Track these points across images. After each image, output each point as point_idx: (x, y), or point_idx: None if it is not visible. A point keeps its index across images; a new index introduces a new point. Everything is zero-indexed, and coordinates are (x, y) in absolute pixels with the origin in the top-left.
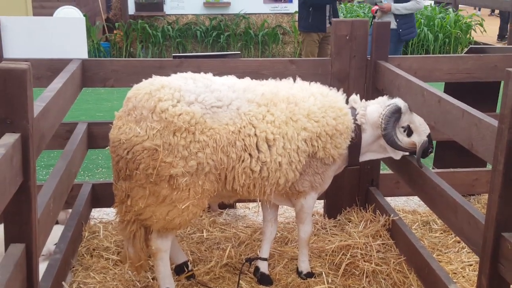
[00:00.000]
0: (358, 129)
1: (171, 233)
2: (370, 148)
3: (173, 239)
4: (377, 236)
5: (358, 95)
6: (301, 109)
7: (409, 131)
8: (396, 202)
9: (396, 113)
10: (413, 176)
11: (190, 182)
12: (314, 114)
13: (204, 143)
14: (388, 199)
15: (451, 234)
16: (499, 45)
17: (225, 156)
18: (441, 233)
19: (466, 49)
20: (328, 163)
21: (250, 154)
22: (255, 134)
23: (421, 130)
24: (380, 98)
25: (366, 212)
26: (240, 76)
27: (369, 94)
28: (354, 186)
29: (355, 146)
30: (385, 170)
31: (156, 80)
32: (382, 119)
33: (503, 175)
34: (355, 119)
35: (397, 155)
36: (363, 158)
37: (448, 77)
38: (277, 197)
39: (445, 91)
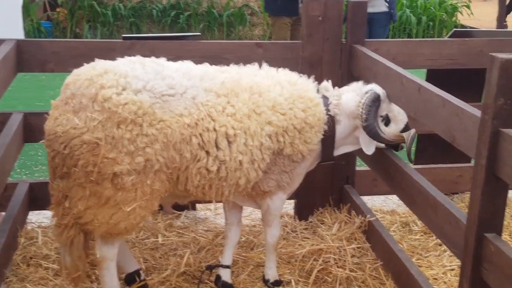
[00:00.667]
0: (331, 121)
1: (117, 239)
2: (345, 141)
3: (123, 245)
4: (352, 239)
5: (330, 81)
6: (266, 100)
7: (387, 121)
8: (374, 202)
9: (376, 101)
10: (391, 172)
11: (137, 181)
12: (281, 106)
13: (153, 137)
14: (365, 198)
15: (432, 236)
16: None
17: (178, 154)
18: (422, 235)
19: (450, 33)
20: (297, 160)
21: (207, 152)
22: (214, 129)
23: (399, 119)
24: (354, 84)
25: (340, 213)
26: (200, 61)
27: (344, 81)
28: (327, 185)
29: (328, 139)
30: (361, 166)
31: (99, 65)
32: (362, 108)
33: (486, 169)
34: (327, 110)
35: (370, 148)
36: (337, 152)
37: (430, 63)
38: (239, 198)
39: (427, 79)
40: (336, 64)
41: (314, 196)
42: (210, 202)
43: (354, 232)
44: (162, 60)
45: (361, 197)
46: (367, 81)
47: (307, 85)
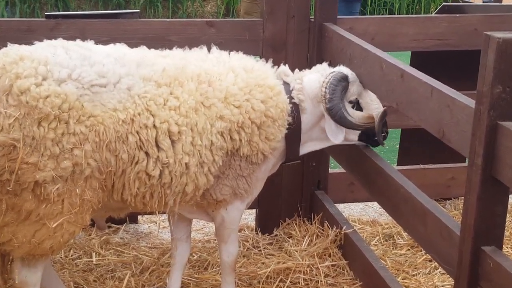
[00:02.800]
0: (295, 110)
1: (40, 261)
2: (311, 135)
3: (48, 267)
4: (325, 255)
5: (287, 65)
6: (216, 90)
7: (357, 108)
8: (351, 210)
9: (343, 81)
10: (371, 175)
11: (63, 191)
12: (234, 97)
13: (82, 136)
14: (340, 206)
15: (421, 251)
16: None
17: (113, 155)
18: (408, 250)
19: (438, 8)
20: (256, 161)
21: (146, 153)
22: (154, 125)
23: (373, 108)
24: (318, 66)
25: (311, 224)
26: (139, 43)
27: (313, 66)
28: (295, 190)
29: (293, 133)
30: (336, 168)
31: (12, 50)
32: (326, 88)
33: (482, 170)
34: (290, 98)
35: (337, 136)
36: (303, 150)
37: (415, 44)
38: (187, 209)
39: (411, 63)
40: (304, 47)
41: (280, 205)
42: (152, 213)
43: (328, 247)
44: (89, 44)
45: (336, 205)
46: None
47: (266, 71)
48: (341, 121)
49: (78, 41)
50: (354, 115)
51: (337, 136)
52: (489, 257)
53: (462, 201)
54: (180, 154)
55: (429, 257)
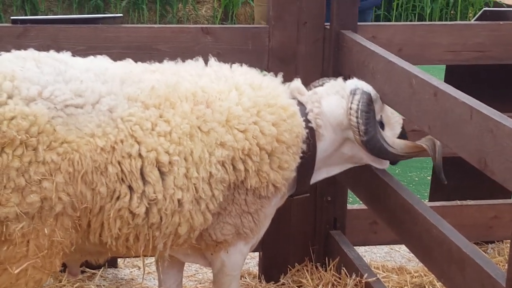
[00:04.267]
0: (311, 136)
1: None
2: (328, 161)
3: None
4: None
5: (299, 80)
6: (216, 112)
7: (380, 126)
8: (373, 255)
9: (371, 103)
10: (397, 212)
11: (29, 231)
12: (238, 120)
13: (53, 166)
14: (361, 249)
15: None
16: None
17: (89, 189)
18: None
19: (478, 14)
20: (266, 195)
21: (130, 187)
22: (140, 154)
23: (394, 122)
24: (329, 82)
25: (326, 271)
26: (122, 54)
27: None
28: (306, 230)
29: (307, 163)
30: (355, 203)
31: None
32: (357, 117)
33: None
34: (307, 121)
35: (382, 162)
36: (316, 177)
37: (451, 57)
38: (180, 252)
39: (446, 80)
40: (317, 59)
41: (288, 247)
42: (136, 256)
43: None
44: (66, 56)
45: (355, 248)
46: None
47: (276, 87)
48: (380, 153)
49: (52, 52)
50: (395, 144)
51: (382, 162)
52: None
53: (508, 245)
54: (172, 189)
55: None
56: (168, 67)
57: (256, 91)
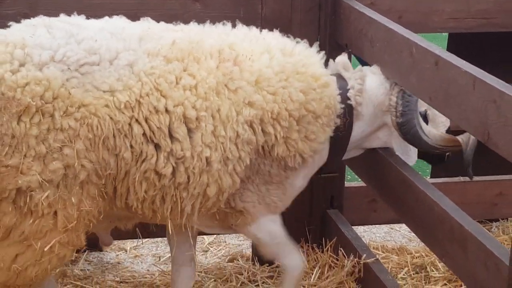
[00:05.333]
0: (348, 114)
1: None
2: (362, 144)
3: None
4: None
5: (346, 54)
6: (246, 71)
7: (424, 119)
8: (372, 235)
9: None
10: (398, 190)
11: (55, 200)
12: (268, 82)
13: (72, 132)
14: (359, 229)
15: (461, 286)
16: None
17: (112, 155)
18: (445, 285)
19: None
20: (293, 165)
21: (157, 146)
22: (166, 109)
23: (440, 122)
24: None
25: (323, 252)
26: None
27: (326, 52)
28: (302, 209)
29: (340, 140)
30: (354, 180)
31: None
32: (397, 97)
33: None
34: (346, 97)
35: (411, 157)
36: (344, 156)
37: (454, 24)
38: (206, 221)
39: (449, 48)
40: (313, 27)
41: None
42: (120, 239)
43: (344, 281)
44: (79, 19)
45: (354, 227)
46: (359, 52)
47: (309, 56)
48: (414, 140)
49: (62, 16)
50: (431, 134)
51: (410, 155)
52: None
53: None
54: (200, 146)
55: None
56: (193, 27)
57: (287, 56)
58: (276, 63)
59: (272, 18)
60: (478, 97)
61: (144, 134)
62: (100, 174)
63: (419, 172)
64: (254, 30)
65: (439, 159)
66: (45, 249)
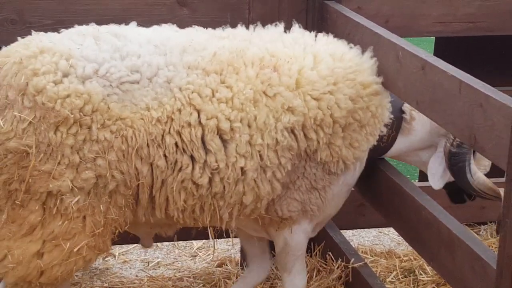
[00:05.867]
0: (395, 128)
1: None
2: (399, 156)
3: None
4: None
5: None
6: (284, 75)
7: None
8: (361, 239)
9: None
10: (386, 194)
11: (85, 206)
12: (313, 86)
13: (106, 144)
14: (348, 233)
15: None
16: None
17: (146, 164)
18: None
19: None
20: (335, 171)
21: (192, 157)
22: (200, 122)
23: (484, 164)
24: None
25: (311, 256)
26: None
27: None
28: None
29: (379, 151)
30: None
31: (35, 41)
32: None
33: None
34: (401, 110)
35: (439, 182)
36: None
37: (440, 28)
38: (248, 225)
39: (435, 52)
40: None
41: None
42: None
43: (332, 286)
44: (127, 28)
45: (342, 231)
46: None
47: (361, 63)
48: (458, 173)
49: (112, 25)
50: (476, 176)
51: (438, 181)
52: None
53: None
54: (234, 157)
55: None
56: (240, 33)
57: (337, 61)
58: (324, 67)
59: (259, 22)
60: (464, 101)
61: (176, 144)
62: (129, 185)
63: (407, 176)
64: (307, 35)
65: (461, 198)
66: (74, 251)
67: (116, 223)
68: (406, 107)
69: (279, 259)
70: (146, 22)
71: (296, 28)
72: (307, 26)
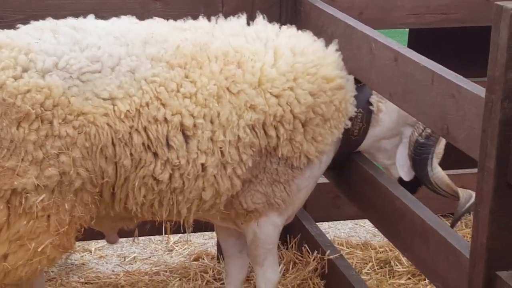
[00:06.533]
0: (366, 120)
1: None
2: (368, 149)
3: None
4: (305, 287)
5: None
6: (248, 73)
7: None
8: (337, 231)
9: None
10: (360, 185)
11: (49, 205)
12: (272, 83)
13: (69, 140)
14: (323, 225)
15: (424, 280)
16: None
17: (111, 163)
18: (409, 279)
19: None
20: (298, 165)
21: (155, 154)
22: (165, 119)
23: (438, 152)
24: None
25: (287, 249)
26: None
27: None
28: None
29: (350, 145)
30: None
31: None
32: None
33: (496, 176)
34: (368, 102)
35: (408, 173)
36: None
37: (413, 20)
38: (213, 218)
39: (409, 44)
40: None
41: None
42: (84, 240)
43: (308, 278)
44: (87, 21)
45: (318, 224)
46: None
47: (324, 56)
48: (418, 163)
49: (70, 19)
50: (435, 170)
51: (407, 172)
52: (506, 284)
53: None
54: (195, 153)
55: (435, 287)
56: (202, 25)
57: (298, 56)
58: (284, 63)
59: (232, 15)
60: (437, 92)
61: (143, 143)
62: (95, 182)
63: (381, 168)
64: (270, 28)
65: (413, 187)
66: (38, 250)
67: (82, 220)
68: (373, 99)
69: (250, 252)
70: (118, 16)
71: (259, 20)
72: (281, 19)
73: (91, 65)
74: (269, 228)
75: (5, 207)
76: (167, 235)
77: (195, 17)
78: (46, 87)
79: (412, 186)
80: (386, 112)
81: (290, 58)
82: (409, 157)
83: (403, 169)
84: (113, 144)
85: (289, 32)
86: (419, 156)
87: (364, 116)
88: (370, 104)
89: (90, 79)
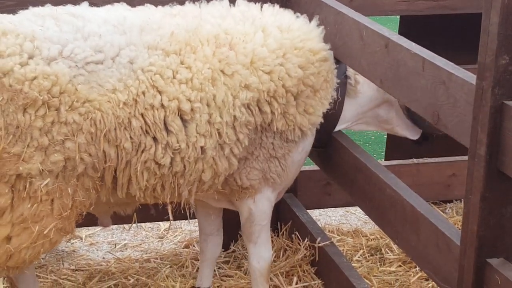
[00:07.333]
0: (341, 94)
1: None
2: (362, 119)
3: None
4: (294, 274)
5: None
6: (240, 54)
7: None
8: (328, 218)
9: None
10: (351, 173)
11: (53, 189)
12: (264, 61)
13: (75, 126)
14: (314, 213)
15: (415, 267)
16: None
17: (113, 147)
18: (399, 266)
19: None
20: (293, 139)
21: (154, 139)
22: (162, 105)
23: None
24: None
25: (278, 236)
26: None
27: None
28: None
29: (329, 118)
30: (308, 164)
31: None
32: None
33: (486, 163)
34: (345, 76)
35: (414, 131)
36: (355, 128)
37: (404, 6)
38: (209, 198)
39: (400, 31)
40: None
41: (237, 212)
42: (92, 225)
43: (297, 265)
44: (83, 8)
45: (309, 211)
46: None
47: (308, 31)
48: (417, 122)
49: (69, 6)
50: None
51: (412, 132)
52: (497, 271)
53: None
54: (194, 136)
55: (425, 274)
56: (190, 9)
57: (284, 33)
58: (273, 40)
59: None
60: (427, 79)
61: (141, 127)
62: (97, 167)
63: (374, 155)
64: (253, 7)
65: (424, 138)
66: (43, 233)
67: (82, 205)
68: (350, 71)
69: (244, 229)
70: (99, 1)
71: (240, 1)
72: (272, 5)
73: (95, 55)
74: (264, 204)
75: (9, 191)
76: (157, 222)
77: (181, 3)
78: (53, 74)
79: (421, 137)
80: (364, 82)
81: (278, 36)
82: (408, 119)
83: (406, 132)
84: (115, 129)
85: (272, 10)
86: (415, 114)
87: (339, 89)
88: (348, 77)
89: (94, 70)
